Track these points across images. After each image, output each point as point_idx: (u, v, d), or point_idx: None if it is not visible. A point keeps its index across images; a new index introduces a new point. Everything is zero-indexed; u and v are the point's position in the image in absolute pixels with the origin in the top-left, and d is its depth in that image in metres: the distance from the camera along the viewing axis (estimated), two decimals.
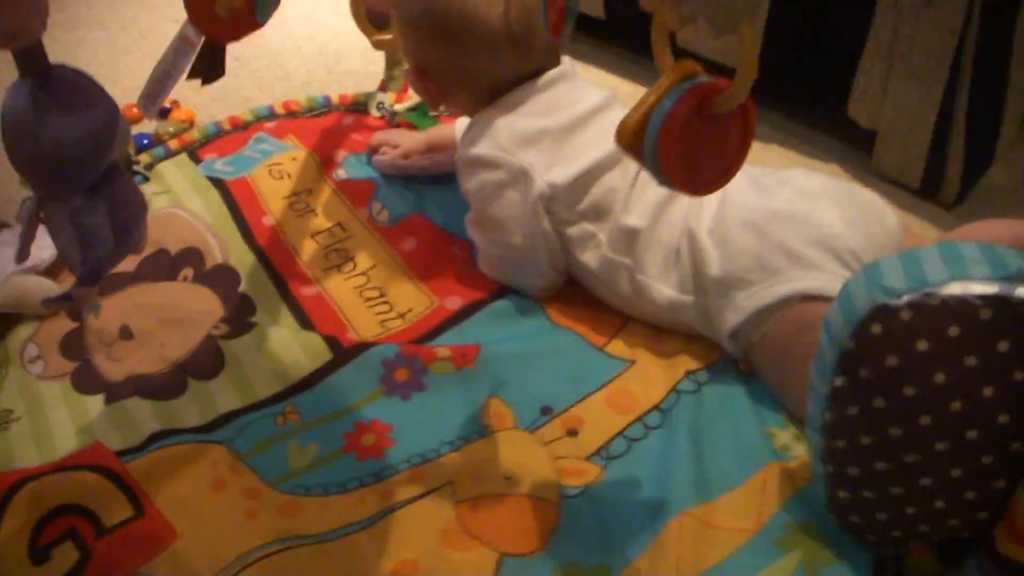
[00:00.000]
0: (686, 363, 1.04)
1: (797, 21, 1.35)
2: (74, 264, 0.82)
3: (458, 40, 1.09)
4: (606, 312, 1.12)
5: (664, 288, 1.05)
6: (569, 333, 1.09)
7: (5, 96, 0.79)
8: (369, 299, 1.18)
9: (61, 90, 0.78)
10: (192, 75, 0.91)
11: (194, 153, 1.52)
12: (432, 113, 1.51)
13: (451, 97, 1.17)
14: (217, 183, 1.41)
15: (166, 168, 1.49)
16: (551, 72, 1.13)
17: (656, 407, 1.00)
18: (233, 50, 1.99)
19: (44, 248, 1.22)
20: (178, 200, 1.39)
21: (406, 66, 1.60)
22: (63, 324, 1.19)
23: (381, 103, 1.56)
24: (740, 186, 1.03)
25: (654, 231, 1.06)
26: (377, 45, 1.38)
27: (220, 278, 1.24)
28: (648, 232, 1.06)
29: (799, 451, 0.95)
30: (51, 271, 1.25)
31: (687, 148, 0.73)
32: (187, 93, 1.77)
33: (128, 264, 1.26)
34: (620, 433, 0.98)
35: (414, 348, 1.07)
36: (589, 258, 1.09)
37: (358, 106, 1.60)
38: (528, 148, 1.09)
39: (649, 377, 1.03)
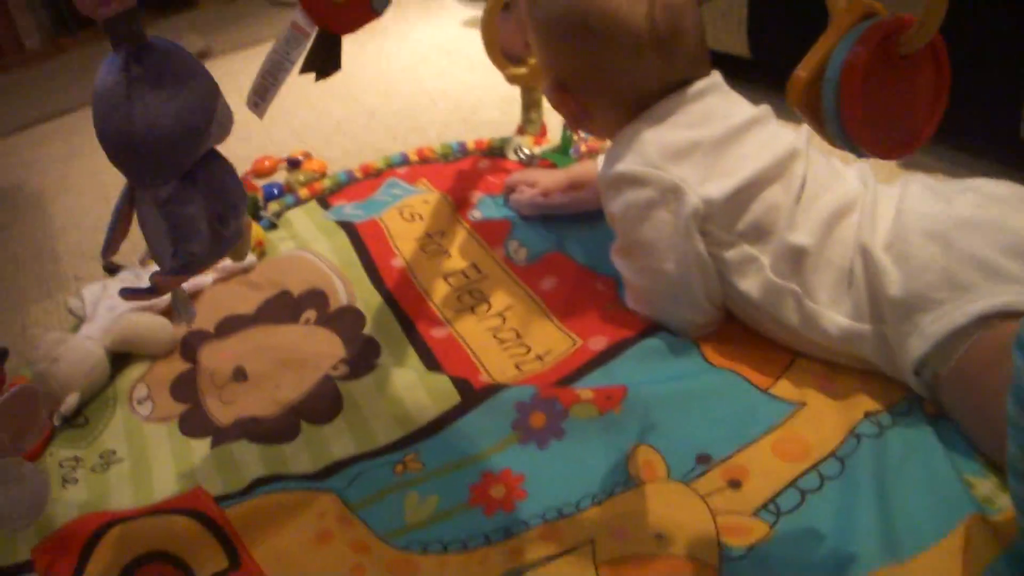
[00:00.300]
0: (864, 404, 0.88)
1: (957, 33, 1.21)
2: (163, 259, 0.72)
3: (599, 43, 0.97)
4: (770, 349, 0.96)
5: (837, 316, 0.90)
6: (729, 373, 0.94)
7: (98, 72, 0.70)
8: (504, 341, 1.06)
9: (156, 64, 0.68)
10: (305, 68, 0.82)
11: (324, 200, 1.45)
12: (572, 150, 1.40)
13: (594, 112, 1.04)
14: (346, 226, 1.33)
15: (294, 215, 1.42)
16: (702, 82, 1.00)
17: (832, 454, 0.84)
18: (367, 105, 1.99)
19: None
20: (305, 243, 1.31)
21: (544, 106, 1.52)
22: (175, 365, 1.11)
23: (518, 146, 1.47)
24: (917, 194, 0.91)
25: (823, 250, 0.92)
26: (512, 79, 1.29)
27: (344, 320, 1.14)
28: (817, 252, 0.91)
29: (1004, 502, 0.77)
30: (169, 311, 1.18)
31: (874, 99, 0.61)
32: (319, 145, 1.73)
33: (248, 306, 1.19)
34: (791, 484, 0.81)
35: (553, 390, 0.93)
36: (750, 285, 0.94)
37: (494, 151, 1.51)
38: (679, 162, 0.96)
39: (823, 420, 0.87)
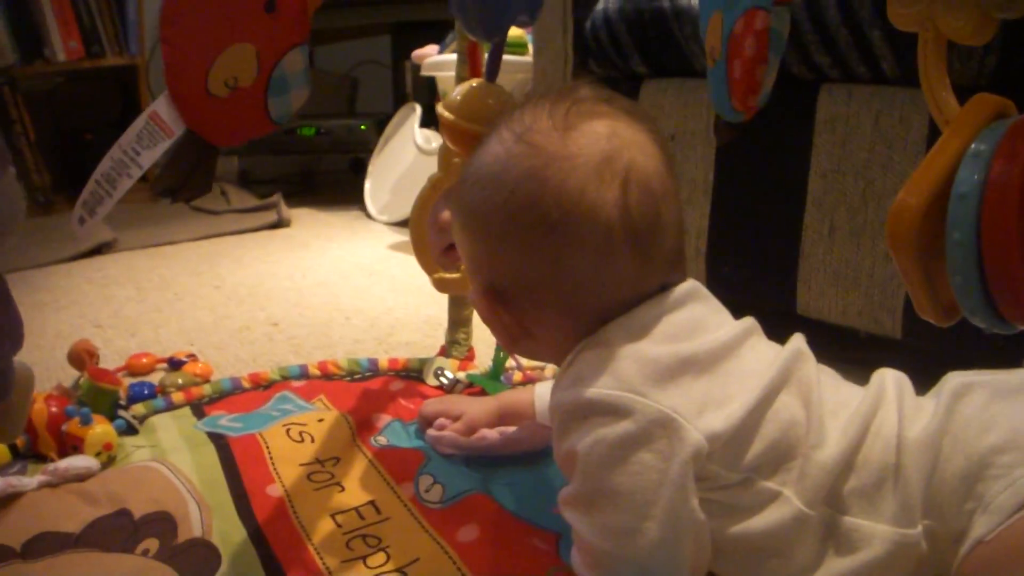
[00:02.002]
0: None
1: None
2: None
3: (557, 239, 0.72)
4: None
5: (879, 525, 0.66)
6: None
7: None
8: None
9: None
10: (161, 183, 0.56)
11: (200, 408, 1.16)
12: (503, 377, 1.16)
13: (536, 329, 0.77)
14: (216, 439, 1.03)
15: (160, 421, 1.13)
16: (682, 287, 0.76)
17: None
18: (272, 314, 1.72)
19: None
20: (163, 454, 1.02)
21: (474, 326, 1.28)
22: None
23: (440, 369, 1.21)
24: (960, 377, 0.71)
25: (860, 453, 0.68)
26: (440, 286, 1.05)
27: (193, 557, 0.83)
28: (853, 458, 0.68)
29: None
30: None
31: None
32: (210, 350, 1.46)
33: (73, 523, 0.89)
34: None
35: None
36: (763, 526, 0.68)
37: (411, 373, 1.25)
38: (667, 387, 0.69)
39: None
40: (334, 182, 3.14)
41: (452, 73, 1.99)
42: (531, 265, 0.74)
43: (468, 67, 1.09)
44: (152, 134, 0.55)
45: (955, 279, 0.47)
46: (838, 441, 0.68)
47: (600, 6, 1.43)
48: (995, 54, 1.01)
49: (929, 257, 0.50)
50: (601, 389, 0.70)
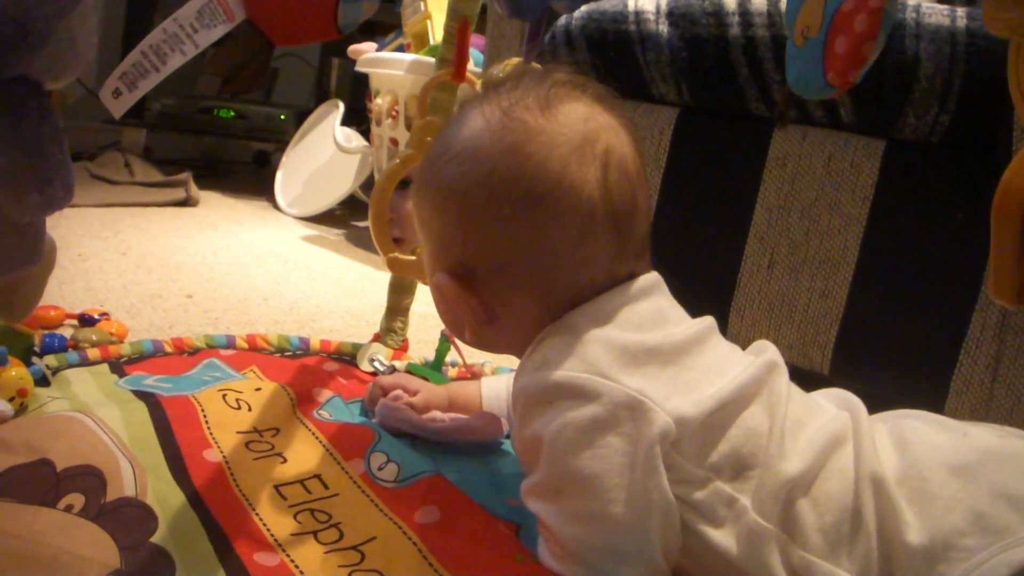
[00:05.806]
0: None
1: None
2: None
3: (542, 211, 0.67)
4: None
5: (837, 570, 0.62)
6: None
7: None
8: None
9: None
10: (212, 68, 0.48)
11: (119, 366, 1.04)
12: (446, 364, 1.08)
13: (503, 314, 0.72)
14: (146, 397, 0.92)
15: (75, 375, 1.00)
16: (647, 277, 0.73)
17: None
18: (185, 285, 1.58)
19: None
20: (84, 407, 0.89)
21: (409, 316, 1.20)
22: None
23: (375, 356, 1.12)
24: (920, 427, 0.68)
25: (819, 483, 0.64)
26: (393, 265, 0.97)
27: (125, 517, 0.72)
28: (812, 484, 0.64)
29: None
30: None
31: None
32: (122, 313, 1.32)
33: None
34: None
35: None
36: (726, 536, 0.63)
37: (344, 357, 1.15)
38: (634, 372, 0.65)
39: None
40: (236, 172, 2.99)
41: (387, 71, 1.92)
42: (510, 240, 0.69)
43: (455, 48, 1.01)
44: (213, 13, 0.46)
45: None
46: (796, 461, 0.64)
47: (562, 21, 1.37)
48: (949, 114, 1.00)
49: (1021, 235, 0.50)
50: (568, 372, 0.65)
